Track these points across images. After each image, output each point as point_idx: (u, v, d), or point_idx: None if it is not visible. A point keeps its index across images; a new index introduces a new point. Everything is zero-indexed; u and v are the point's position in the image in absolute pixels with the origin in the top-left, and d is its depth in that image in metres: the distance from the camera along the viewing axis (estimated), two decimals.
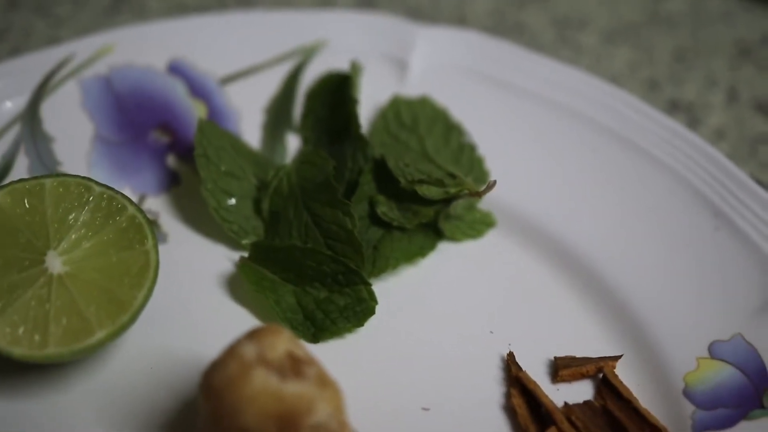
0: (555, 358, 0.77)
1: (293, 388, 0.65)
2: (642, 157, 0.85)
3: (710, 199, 0.82)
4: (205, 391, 0.66)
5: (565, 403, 0.74)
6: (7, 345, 0.70)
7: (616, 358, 0.77)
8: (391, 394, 0.75)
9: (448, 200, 0.82)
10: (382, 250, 0.82)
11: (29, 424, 0.71)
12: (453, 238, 0.84)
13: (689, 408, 0.73)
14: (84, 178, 0.76)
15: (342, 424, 0.67)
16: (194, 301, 0.79)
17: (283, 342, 0.67)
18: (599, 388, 0.75)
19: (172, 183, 0.86)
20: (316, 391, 0.66)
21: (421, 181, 0.81)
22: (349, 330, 0.78)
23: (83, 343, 0.70)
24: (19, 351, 0.70)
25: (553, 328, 0.79)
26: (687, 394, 0.74)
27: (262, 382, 0.65)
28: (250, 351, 0.66)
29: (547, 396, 0.74)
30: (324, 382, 0.67)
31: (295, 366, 0.67)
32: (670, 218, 0.82)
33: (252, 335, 0.67)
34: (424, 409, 0.74)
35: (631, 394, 0.74)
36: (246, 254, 0.81)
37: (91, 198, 0.75)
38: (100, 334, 0.71)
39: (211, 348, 0.70)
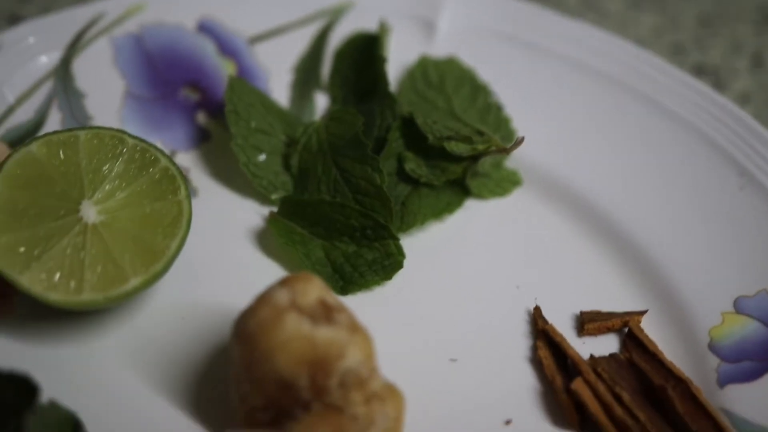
0: (581, 312, 0.78)
1: (325, 334, 0.66)
2: (668, 117, 0.86)
3: (736, 159, 0.83)
4: (237, 336, 0.68)
5: (591, 356, 0.75)
6: (44, 291, 0.71)
7: (642, 312, 0.77)
8: (419, 346, 0.76)
9: (475, 157, 0.83)
10: (409, 206, 0.83)
11: (66, 369, 0.72)
12: (480, 196, 0.85)
13: (714, 361, 0.74)
14: (118, 130, 0.77)
15: (372, 371, 0.68)
16: (225, 254, 0.80)
17: (315, 289, 0.68)
18: (625, 341, 0.76)
19: (201, 139, 0.87)
20: (348, 337, 0.67)
21: (449, 138, 0.82)
22: (377, 283, 0.79)
23: (117, 290, 0.71)
24: (54, 296, 0.71)
25: (579, 284, 0.80)
26: (712, 347, 0.75)
27: (295, 326, 0.66)
28: (282, 297, 0.67)
29: (573, 348, 0.75)
30: (355, 329, 0.68)
31: (327, 312, 0.68)
32: (695, 176, 0.83)
33: (284, 282, 0.68)
34: (452, 360, 0.75)
35: (656, 347, 0.75)
36: (275, 209, 0.82)
37: (124, 150, 0.76)
38: (134, 282, 0.72)
39: (242, 299, 0.71)
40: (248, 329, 0.67)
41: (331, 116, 0.85)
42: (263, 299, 0.67)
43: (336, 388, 0.66)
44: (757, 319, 0.75)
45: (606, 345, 0.77)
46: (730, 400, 0.72)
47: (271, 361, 0.65)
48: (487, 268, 0.81)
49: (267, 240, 0.82)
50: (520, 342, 0.77)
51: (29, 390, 0.65)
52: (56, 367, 0.72)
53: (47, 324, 0.75)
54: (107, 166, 0.75)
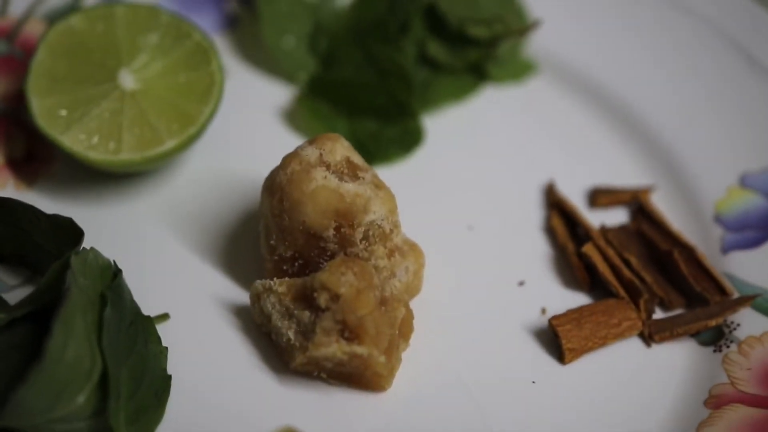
0: (593, 187, 0.82)
1: (351, 188, 0.70)
2: (679, 5, 0.89)
3: (743, 41, 0.86)
4: (267, 189, 0.71)
5: (602, 225, 0.79)
6: (84, 150, 0.75)
7: (651, 187, 0.81)
8: (439, 214, 0.80)
9: (493, 42, 0.87)
10: (430, 89, 0.86)
11: (105, 229, 0.77)
12: (498, 80, 0.88)
13: (718, 231, 0.78)
14: (153, 6, 0.81)
15: (395, 226, 0.72)
16: (254, 129, 0.84)
17: (342, 148, 0.72)
18: (634, 214, 0.80)
19: (230, 23, 0.91)
20: (372, 193, 0.71)
21: (469, 20, 0.85)
22: (399, 157, 0.83)
23: (154, 151, 0.75)
24: (94, 156, 0.75)
25: (591, 163, 0.83)
26: (717, 219, 0.79)
27: (323, 179, 0.70)
28: (311, 153, 0.71)
29: (584, 217, 0.79)
30: (379, 185, 0.72)
31: (353, 170, 0.72)
32: (704, 59, 0.86)
33: (312, 141, 0.72)
34: (469, 227, 0.79)
35: (664, 217, 0.79)
36: (302, 90, 0.86)
37: (159, 24, 0.80)
38: (169, 143, 0.76)
39: (271, 167, 0.74)
40: (278, 182, 0.71)
41: (357, 1, 0.88)
42: (293, 155, 0.71)
43: (360, 240, 0.70)
44: (761, 192, 0.79)
45: (616, 218, 0.80)
46: (733, 266, 0.76)
47: (300, 211, 0.69)
48: (504, 147, 0.84)
49: (295, 118, 0.85)
50: (535, 212, 0.80)
51: (74, 233, 0.69)
52: (96, 227, 0.76)
53: (88, 187, 0.79)
54: (143, 38, 0.79)
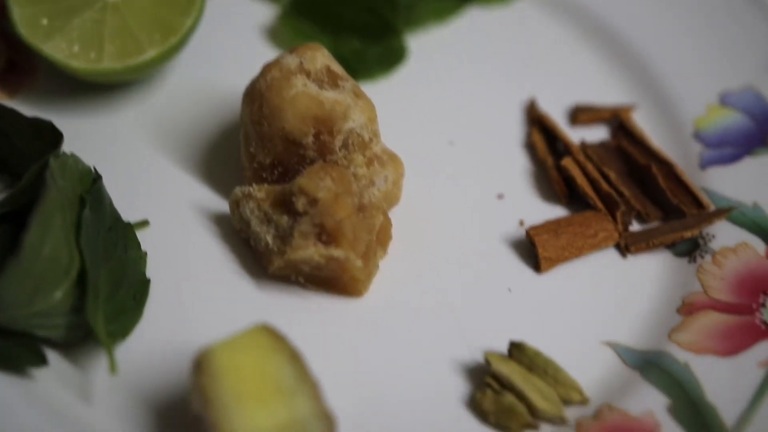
0: (574, 105, 0.82)
1: (331, 95, 0.70)
2: None
3: None
4: (248, 95, 0.72)
5: (582, 141, 0.79)
6: (65, 59, 0.75)
7: (632, 106, 0.81)
8: (420, 128, 0.80)
9: None
10: (415, 8, 0.86)
11: (88, 139, 0.77)
12: (483, 2, 0.88)
13: (697, 148, 0.78)
14: None
15: (374, 135, 0.72)
16: (237, 46, 0.84)
17: (323, 57, 0.72)
18: (615, 131, 0.80)
19: None
20: (352, 101, 0.71)
21: None
22: (382, 74, 0.83)
23: (135, 60, 0.76)
24: (76, 64, 0.75)
25: (573, 82, 0.84)
26: (696, 135, 0.79)
27: (303, 86, 0.70)
28: (291, 61, 0.71)
29: (564, 133, 0.79)
30: (359, 95, 0.72)
31: (333, 79, 0.72)
32: None
33: (293, 50, 0.72)
34: (450, 142, 0.79)
35: (643, 134, 0.79)
36: (285, 8, 0.86)
37: None
38: (151, 53, 0.76)
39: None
40: (258, 88, 0.71)
41: None
42: (273, 63, 0.72)
43: (339, 148, 0.71)
44: (740, 110, 0.80)
45: (597, 136, 0.81)
46: (710, 181, 0.76)
47: (279, 117, 0.70)
48: (487, 66, 0.85)
49: (277, 36, 0.85)
50: (516, 130, 0.81)
51: (53, 136, 0.70)
52: (78, 137, 0.76)
53: (70, 98, 0.79)
54: None
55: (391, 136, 0.75)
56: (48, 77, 0.80)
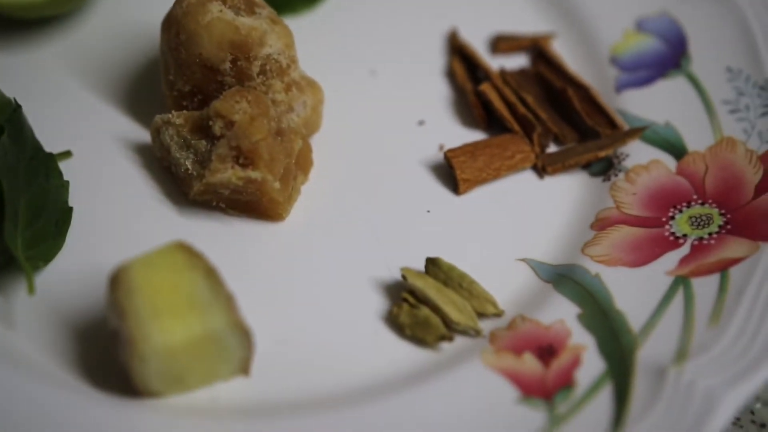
0: (495, 34, 0.83)
1: (247, 21, 0.71)
2: None
3: None
4: (165, 23, 0.72)
5: (501, 69, 0.81)
6: None
7: (551, 34, 0.83)
8: (341, 59, 0.81)
9: None
10: None
11: (8, 75, 0.78)
12: None
13: (613, 72, 0.80)
14: None
15: (292, 61, 0.73)
16: None
17: None
18: (534, 58, 0.82)
19: None
20: (269, 27, 0.72)
21: None
22: (306, 7, 0.84)
23: None
24: None
25: (493, 12, 0.85)
26: (612, 60, 0.81)
27: (219, 12, 0.71)
28: None
29: (484, 60, 0.81)
30: (276, 21, 0.73)
31: (249, 6, 0.73)
32: None
33: None
34: (371, 71, 0.81)
35: (561, 60, 0.81)
36: None
37: None
38: None
39: None
40: (174, 15, 0.72)
41: None
42: None
43: (257, 74, 0.71)
44: (655, 35, 0.81)
45: (516, 64, 0.82)
46: (625, 103, 0.78)
47: (196, 43, 0.71)
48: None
49: None
50: (437, 59, 0.82)
51: None
52: (4, 74, 0.77)
53: None
54: None
55: (313, 67, 0.76)
56: None
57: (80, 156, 0.74)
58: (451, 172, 0.74)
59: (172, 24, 0.72)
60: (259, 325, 0.64)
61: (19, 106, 0.71)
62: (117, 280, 0.61)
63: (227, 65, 0.71)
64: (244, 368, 0.63)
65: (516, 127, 0.76)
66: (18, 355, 0.64)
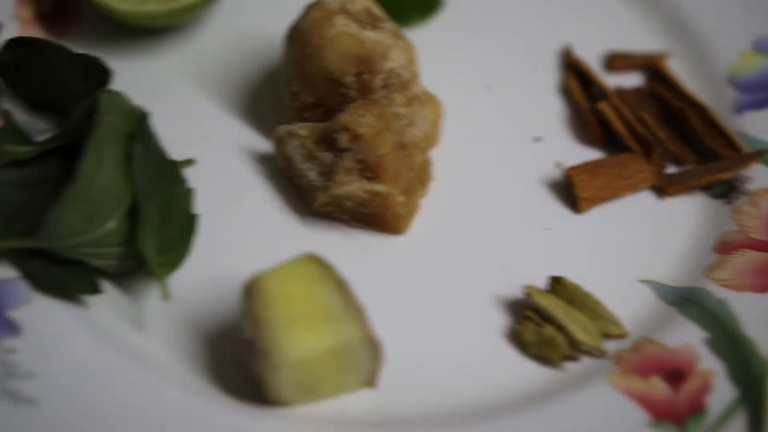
0: (609, 52, 0.83)
1: (371, 35, 0.72)
2: None
3: None
4: (290, 36, 0.73)
5: (617, 87, 0.80)
6: (111, 1, 0.76)
7: (666, 52, 0.82)
8: (457, 73, 0.81)
9: None
10: None
11: (131, 83, 0.77)
12: None
13: (731, 93, 0.79)
14: None
15: (414, 75, 0.74)
16: None
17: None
18: (649, 78, 0.81)
19: None
20: (392, 41, 0.72)
21: None
22: (420, 21, 0.84)
23: (180, 3, 0.77)
24: (121, 6, 0.76)
25: (608, 29, 0.84)
26: (730, 81, 0.80)
27: (344, 26, 0.71)
28: (332, 1, 0.73)
29: (600, 79, 0.80)
30: (399, 36, 0.73)
31: (373, 20, 0.73)
32: None
33: None
34: (487, 86, 0.81)
35: (678, 80, 0.80)
36: None
37: None
38: None
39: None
40: (300, 28, 0.72)
41: None
42: (314, 4, 0.73)
43: (380, 87, 0.72)
44: None
45: (631, 82, 0.82)
46: (745, 124, 0.77)
47: (321, 56, 0.71)
48: (522, 13, 0.85)
49: None
50: (551, 76, 0.82)
51: (102, 72, 0.71)
52: (123, 80, 0.77)
53: (115, 42, 0.81)
54: None
55: (429, 81, 0.77)
56: (93, 20, 0.81)
57: (202, 164, 0.75)
58: (569, 190, 0.74)
59: (297, 37, 0.72)
60: (382, 338, 0.64)
61: (147, 114, 0.71)
62: (252, 291, 0.61)
63: (351, 78, 0.71)
64: (372, 381, 0.63)
65: (635, 146, 0.76)
66: (150, 358, 0.65)
